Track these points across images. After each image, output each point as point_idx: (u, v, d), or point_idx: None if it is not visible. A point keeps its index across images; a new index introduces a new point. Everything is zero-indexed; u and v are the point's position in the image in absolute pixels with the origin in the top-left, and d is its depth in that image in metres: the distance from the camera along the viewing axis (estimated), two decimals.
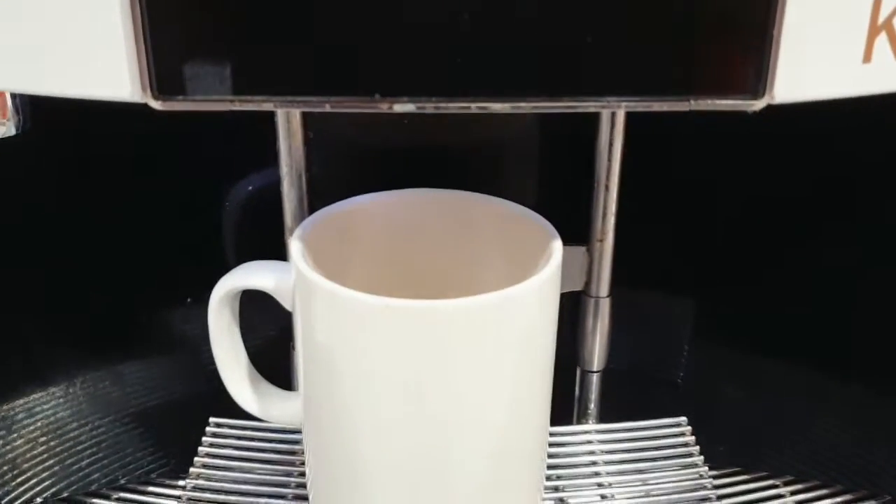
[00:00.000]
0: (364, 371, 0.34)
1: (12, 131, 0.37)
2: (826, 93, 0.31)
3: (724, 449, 0.51)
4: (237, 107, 0.29)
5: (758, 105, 0.30)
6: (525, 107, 0.30)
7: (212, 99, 0.29)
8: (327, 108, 0.29)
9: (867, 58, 0.31)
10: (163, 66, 0.28)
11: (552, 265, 0.35)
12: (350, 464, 0.36)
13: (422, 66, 0.29)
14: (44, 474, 0.48)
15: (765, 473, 0.52)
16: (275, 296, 0.38)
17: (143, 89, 0.29)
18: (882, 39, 0.31)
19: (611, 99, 0.30)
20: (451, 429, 0.35)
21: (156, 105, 0.29)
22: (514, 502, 0.38)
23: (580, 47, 0.29)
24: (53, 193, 0.46)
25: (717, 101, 0.30)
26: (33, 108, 0.38)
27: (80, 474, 0.49)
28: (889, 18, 0.31)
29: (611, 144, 0.42)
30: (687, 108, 0.30)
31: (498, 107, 0.29)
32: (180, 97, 0.29)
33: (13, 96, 0.37)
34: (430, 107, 0.29)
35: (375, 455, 0.36)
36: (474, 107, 0.29)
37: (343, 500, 0.37)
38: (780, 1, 0.29)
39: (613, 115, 0.42)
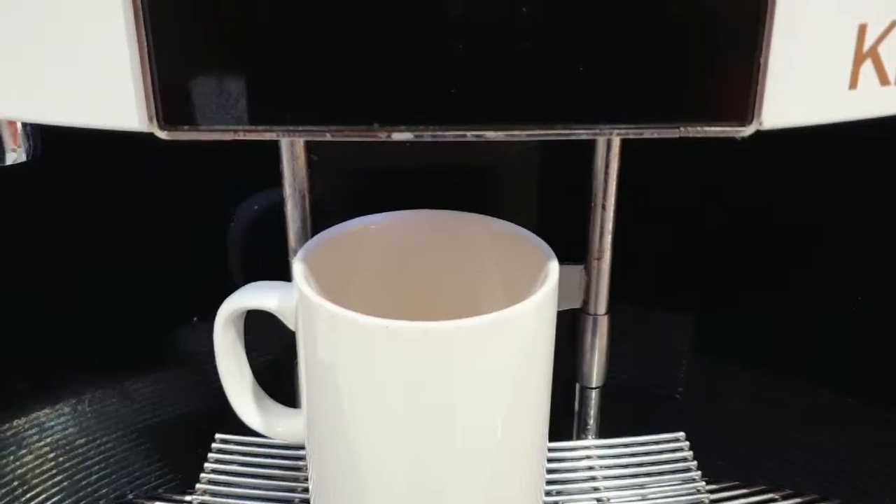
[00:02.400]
0: (365, 390, 0.35)
1: (23, 157, 0.38)
2: (813, 118, 0.32)
3: (722, 463, 0.51)
4: (241, 137, 0.30)
5: (747, 131, 0.31)
6: (520, 134, 0.30)
7: (217, 129, 0.30)
8: (328, 137, 0.30)
9: (853, 84, 0.32)
10: (168, 97, 0.29)
11: (549, 285, 0.36)
12: (352, 480, 0.37)
13: (419, 96, 0.29)
14: (53, 489, 0.49)
15: (763, 487, 0.53)
16: (278, 316, 0.38)
17: (150, 119, 0.29)
18: (868, 66, 0.32)
19: (603, 127, 0.31)
20: (450, 446, 0.35)
21: (162, 135, 0.30)
22: None
23: (573, 77, 0.29)
24: (62, 217, 0.47)
25: (707, 128, 0.31)
26: (43, 135, 0.39)
27: (89, 489, 0.50)
28: (874, 46, 0.31)
29: (607, 165, 0.43)
30: (678, 136, 0.31)
31: (493, 135, 0.30)
32: (186, 127, 0.30)
33: (24, 125, 0.38)
34: (427, 135, 0.30)
35: (377, 471, 0.36)
36: (470, 135, 0.30)
37: None
38: (768, 30, 0.30)
39: (609, 138, 0.43)
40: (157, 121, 0.29)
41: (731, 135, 0.31)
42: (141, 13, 0.28)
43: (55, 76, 0.30)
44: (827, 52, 0.31)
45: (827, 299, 0.49)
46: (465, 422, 0.35)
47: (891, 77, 0.32)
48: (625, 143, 0.43)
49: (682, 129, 0.31)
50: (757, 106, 0.30)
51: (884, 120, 0.33)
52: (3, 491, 0.48)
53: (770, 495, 0.52)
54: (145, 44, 0.29)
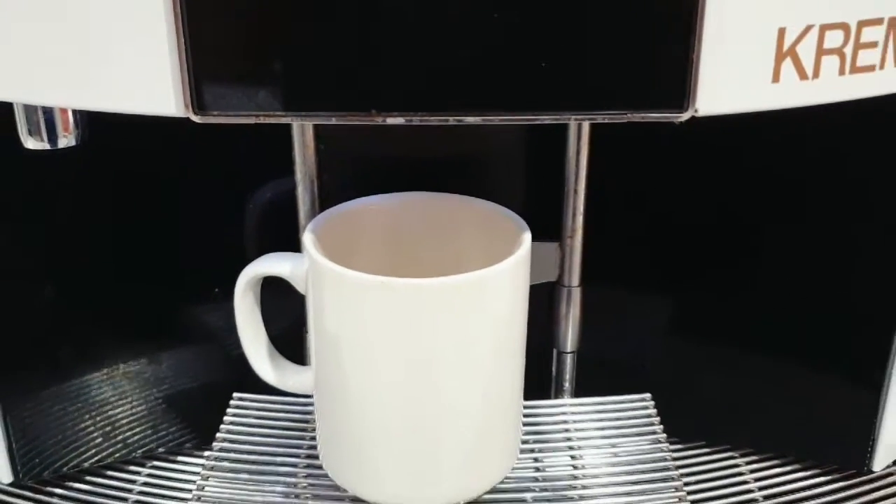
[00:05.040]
0: (365, 339, 0.40)
1: (73, 142, 0.43)
2: (741, 107, 0.37)
3: (689, 424, 0.55)
4: (261, 120, 0.36)
5: (683, 117, 0.36)
6: (493, 119, 0.36)
7: (240, 114, 0.35)
8: (333, 121, 0.36)
9: (776, 78, 0.37)
10: (201, 88, 0.35)
11: (522, 251, 0.41)
12: (353, 421, 0.43)
13: (408, 88, 0.35)
14: (91, 443, 0.54)
15: (726, 447, 0.58)
16: (290, 281, 0.44)
17: (186, 106, 0.35)
18: (788, 63, 0.37)
19: (563, 113, 0.36)
20: (438, 387, 0.41)
21: (195, 118, 0.35)
22: (494, 455, 0.44)
23: (536, 71, 0.35)
24: (102, 198, 0.51)
25: (650, 114, 0.36)
26: (91, 122, 0.43)
27: (121, 444, 0.55)
28: (793, 46, 0.37)
29: (578, 153, 0.49)
30: (625, 120, 0.36)
31: (471, 119, 0.36)
32: (215, 112, 0.35)
33: (74, 113, 0.42)
34: (415, 119, 0.35)
35: (375, 413, 0.42)
36: (451, 119, 0.36)
37: (347, 454, 0.44)
38: (699, 33, 0.35)
39: (580, 127, 0.48)
40: (192, 107, 0.35)
41: (670, 119, 0.36)
42: (180, 21, 0.34)
43: (108, 72, 0.35)
44: (751, 50, 0.36)
45: (783, 275, 0.53)
46: (450, 366, 0.40)
47: (808, 73, 0.37)
48: (594, 133, 0.49)
49: (628, 115, 0.36)
50: (692, 96, 0.36)
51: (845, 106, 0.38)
52: (49, 443, 0.53)
53: (730, 453, 0.57)
54: (183, 45, 0.34)
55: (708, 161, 0.51)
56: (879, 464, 0.54)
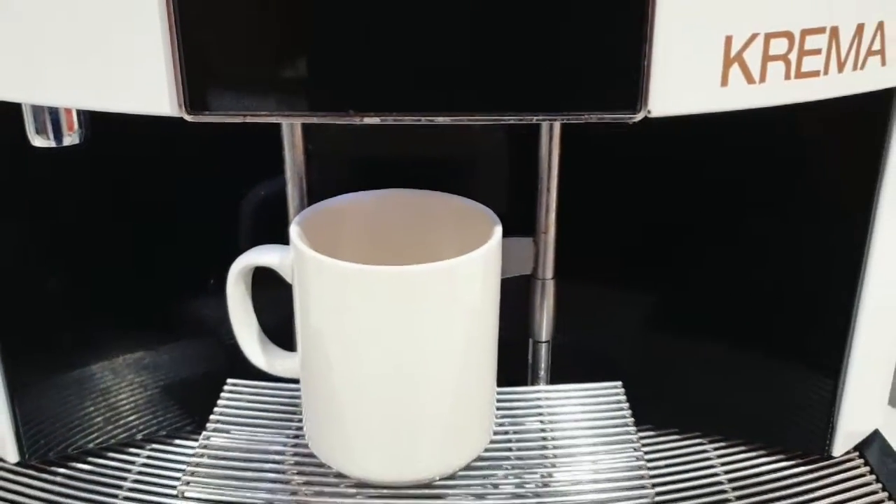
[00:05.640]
0: (345, 324, 0.43)
1: (77, 140, 0.45)
2: (692, 109, 0.40)
3: (663, 411, 0.59)
4: (249, 119, 0.39)
5: (637, 117, 0.39)
6: (462, 119, 0.39)
7: (229, 114, 0.38)
8: (314, 120, 0.40)
9: (724, 83, 0.40)
10: (194, 90, 0.38)
11: (493, 242, 0.44)
12: (336, 402, 0.46)
13: (384, 90, 0.38)
14: (94, 425, 0.57)
15: (696, 433, 0.60)
16: (278, 271, 0.47)
17: (179, 106, 0.38)
18: (735, 68, 0.40)
19: (527, 114, 0.39)
20: (414, 369, 0.44)
21: (188, 118, 0.38)
22: (468, 433, 0.47)
23: (503, 75, 0.38)
24: (104, 195, 0.54)
25: (607, 115, 0.39)
26: (93, 122, 0.46)
27: (122, 427, 0.58)
28: (739, 53, 0.40)
29: (550, 154, 0.52)
30: (584, 121, 0.39)
31: (440, 119, 0.38)
32: (206, 112, 0.38)
33: (78, 113, 0.45)
34: (390, 119, 0.38)
35: (356, 394, 0.45)
36: (423, 119, 0.39)
37: (332, 433, 0.47)
38: (650, 41, 0.38)
39: (551, 129, 0.51)
40: (185, 107, 0.38)
41: (626, 120, 0.39)
42: (174, 31, 0.37)
43: (109, 76, 0.39)
44: (700, 57, 0.39)
45: (747, 268, 0.55)
46: (426, 347, 0.44)
47: (756, 77, 0.40)
48: (565, 135, 0.52)
49: (586, 115, 0.39)
50: (645, 98, 0.39)
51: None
52: (54, 426, 0.55)
53: (699, 440, 0.60)
54: (177, 51, 0.37)
55: (672, 162, 0.54)
56: (839, 449, 0.57)
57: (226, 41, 0.38)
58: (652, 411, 0.58)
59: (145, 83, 0.38)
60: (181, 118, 0.39)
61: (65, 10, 0.38)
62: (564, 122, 0.49)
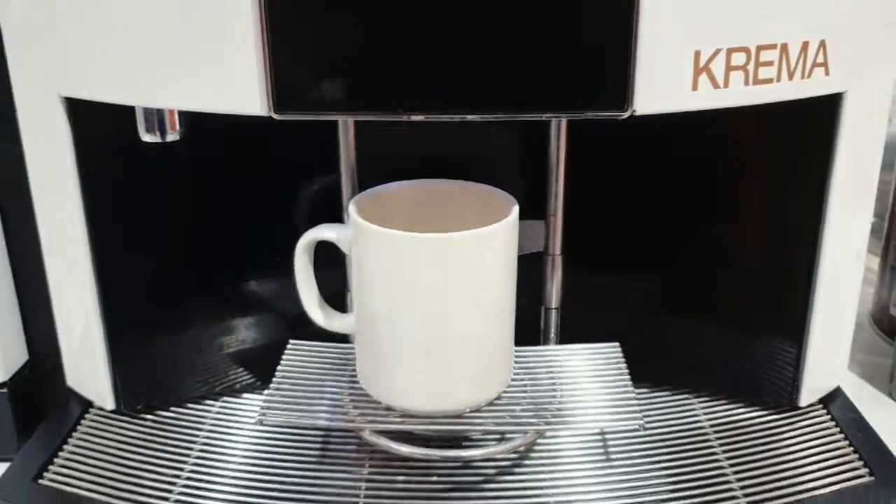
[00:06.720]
0: (395, 280, 0.53)
1: (177, 137, 0.52)
2: (669, 108, 0.49)
3: (654, 370, 0.66)
4: (321, 118, 0.49)
5: (625, 115, 0.48)
6: (487, 116, 0.48)
7: (308, 113, 0.48)
8: (373, 118, 0.49)
9: (695, 87, 0.49)
10: (281, 93, 0.47)
11: (511, 217, 0.54)
12: (385, 347, 0.55)
13: (426, 93, 0.47)
14: (178, 379, 0.65)
15: (685, 390, 0.68)
16: (337, 244, 0.56)
17: (269, 107, 0.48)
18: (703, 76, 0.49)
19: (536, 112, 0.48)
20: (449, 316, 0.54)
21: (276, 117, 0.47)
22: (493, 373, 0.57)
23: (520, 83, 0.47)
24: (201, 189, 0.61)
25: (601, 113, 0.48)
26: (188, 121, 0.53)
27: (196, 387, 0.66)
28: (706, 64, 0.48)
29: (558, 148, 0.61)
30: (584, 117, 0.48)
31: (470, 116, 0.48)
32: (290, 112, 0.47)
33: (179, 113, 0.52)
34: (431, 116, 0.48)
35: (403, 340, 0.54)
36: (458, 117, 0.48)
37: (381, 372, 0.56)
38: (634, 54, 0.47)
39: (559, 126, 0.60)
40: (273, 108, 0.47)
41: (615, 118, 0.48)
42: (264, 41, 0.46)
43: (209, 84, 0.48)
44: (675, 67, 0.48)
45: (730, 247, 0.63)
46: (460, 300, 0.53)
47: (720, 83, 0.49)
48: (570, 131, 0.62)
49: (583, 114, 0.49)
50: (631, 99, 0.48)
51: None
52: (144, 381, 0.63)
53: (686, 396, 0.68)
54: (268, 60, 0.46)
55: (664, 153, 0.63)
56: (804, 401, 0.64)
57: (306, 56, 0.47)
58: (648, 370, 0.64)
59: (239, 88, 0.47)
60: (269, 117, 0.47)
61: (172, 31, 0.47)
62: (568, 118, 0.58)
